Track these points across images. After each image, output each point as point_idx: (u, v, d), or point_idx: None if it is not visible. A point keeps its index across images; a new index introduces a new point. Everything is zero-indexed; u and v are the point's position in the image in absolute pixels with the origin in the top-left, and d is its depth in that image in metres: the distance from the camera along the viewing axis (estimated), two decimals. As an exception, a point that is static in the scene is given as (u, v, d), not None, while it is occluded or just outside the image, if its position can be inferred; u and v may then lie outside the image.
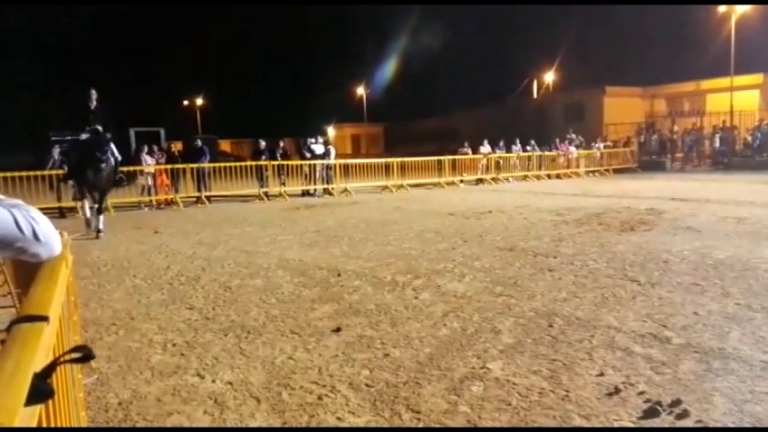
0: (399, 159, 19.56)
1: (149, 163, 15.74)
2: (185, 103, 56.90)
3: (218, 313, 4.77)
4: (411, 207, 13.06)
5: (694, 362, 3.37)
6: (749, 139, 25.59)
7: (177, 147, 22.58)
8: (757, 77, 29.61)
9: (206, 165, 16.30)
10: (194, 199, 15.70)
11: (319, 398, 3.10)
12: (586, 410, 2.83)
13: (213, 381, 3.38)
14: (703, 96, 32.41)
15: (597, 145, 25.85)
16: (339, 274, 6.03)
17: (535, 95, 43.83)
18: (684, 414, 2.74)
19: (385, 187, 18.54)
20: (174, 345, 4.01)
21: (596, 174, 24.06)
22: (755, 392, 2.94)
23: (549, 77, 44.62)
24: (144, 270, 6.61)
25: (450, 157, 20.89)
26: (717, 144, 26.28)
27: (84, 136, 9.19)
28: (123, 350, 3.93)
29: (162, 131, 32.11)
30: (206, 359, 3.72)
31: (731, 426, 2.62)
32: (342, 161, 19.10)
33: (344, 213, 11.95)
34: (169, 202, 15.37)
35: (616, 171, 24.63)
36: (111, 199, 13.66)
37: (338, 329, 4.20)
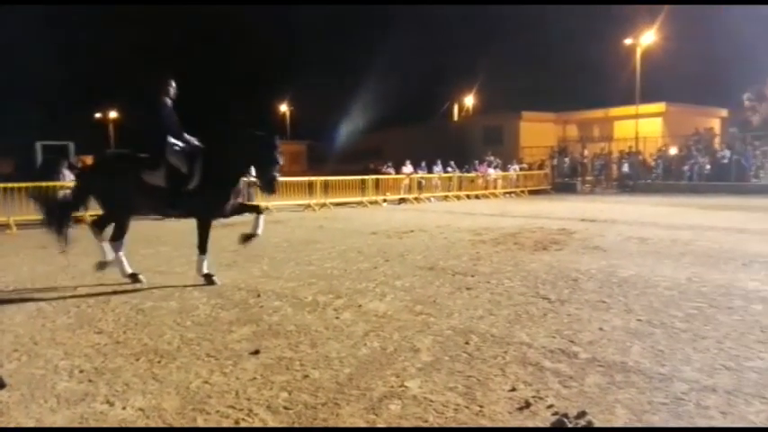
0: (323, 178, 19.57)
1: (70, 178, 14.89)
2: (97, 116, 54.58)
3: (130, 337, 4.58)
4: (334, 226, 13.07)
5: (599, 375, 3.57)
6: (653, 163, 27.43)
7: (87, 161, 21.55)
8: (660, 106, 31.93)
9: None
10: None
11: (236, 422, 3.05)
12: (498, 424, 2.94)
13: (123, 408, 3.24)
14: (611, 123, 34.54)
15: (513, 167, 26.92)
16: (259, 295, 5.94)
17: (456, 118, 45.17)
18: (589, 425, 2.89)
19: (308, 206, 18.45)
20: (81, 371, 3.82)
21: (513, 195, 24.99)
22: (653, 403, 3.14)
23: (470, 101, 46.19)
24: (49, 292, 6.25)
25: (374, 176, 21.11)
26: (624, 168, 28.00)
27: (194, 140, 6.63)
28: (26, 377, 3.70)
29: (71, 145, 30.59)
30: (116, 385, 3.56)
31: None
32: (264, 179, 18.84)
33: (265, 232, 11.75)
34: (78, 220, 14.60)
35: (531, 192, 25.71)
36: (15, 216, 12.86)
37: (257, 352, 4.14)
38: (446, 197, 22.57)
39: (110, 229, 6.66)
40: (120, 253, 6.59)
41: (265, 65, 57.65)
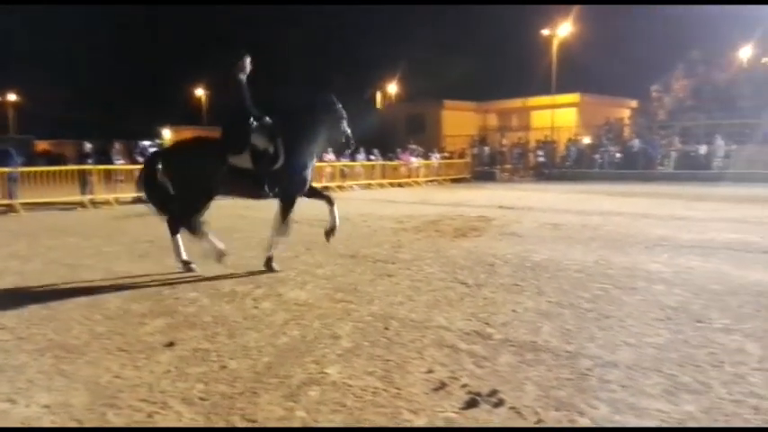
0: (243, 166, 19.17)
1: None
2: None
3: (34, 333, 4.33)
4: (255, 215, 12.81)
5: (511, 355, 3.71)
6: (567, 152, 28.65)
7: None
8: (575, 96, 33.36)
9: (13, 169, 14.60)
10: (4, 207, 14.09)
11: (149, 415, 2.96)
12: (415, 405, 3.01)
13: (27, 405, 3.08)
14: (529, 112, 35.78)
15: (435, 155, 27.38)
16: (173, 286, 5.77)
17: (380, 105, 45.33)
18: (500, 402, 3.01)
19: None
20: (-23, 370, 3.58)
21: (435, 183, 25.44)
22: (560, 379, 3.31)
23: (394, 89, 46.43)
24: (-58, 288, 5.81)
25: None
26: (540, 157, 29.10)
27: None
28: None
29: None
30: (18, 382, 3.37)
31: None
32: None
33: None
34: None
35: (453, 181, 26.28)
36: None
37: (171, 344, 4.02)
38: (369, 185, 22.68)
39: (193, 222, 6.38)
40: (179, 236, 6.43)
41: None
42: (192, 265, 6.43)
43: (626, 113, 35.07)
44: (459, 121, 35.16)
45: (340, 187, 21.51)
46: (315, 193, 6.77)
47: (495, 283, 5.78)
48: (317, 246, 8.13)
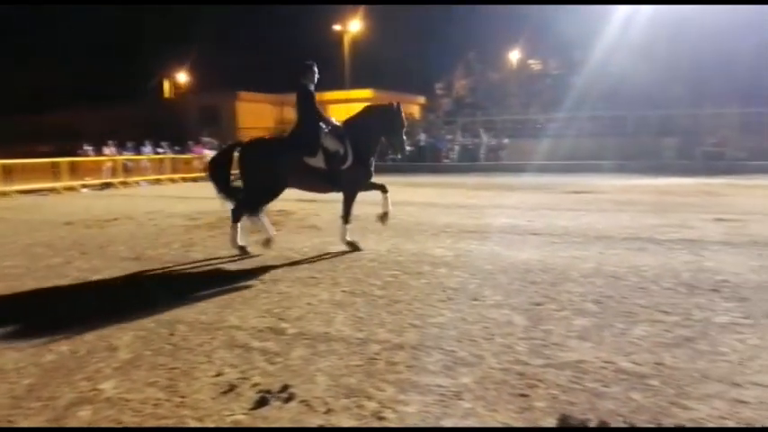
0: (2, 161, 16.66)
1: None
2: None
3: None
4: (17, 217, 11.26)
5: (304, 348, 3.69)
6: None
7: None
8: (368, 92, 34.68)
9: None
10: None
11: None
12: (200, 413, 2.84)
13: None
14: (325, 106, 36.34)
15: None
16: None
17: (168, 95, 42.59)
18: (291, 397, 2.97)
19: (-16, 195, 15.57)
20: None
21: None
22: (350, 366, 3.37)
23: (183, 77, 43.93)
24: None
25: (69, 159, 18.71)
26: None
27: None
28: None
29: None
30: None
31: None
32: None
33: None
34: None
35: (250, 174, 25.69)
36: None
37: None
38: (158, 180, 21.23)
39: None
40: (239, 225, 6.98)
41: None
42: (249, 249, 6.91)
43: (415, 109, 37.48)
44: (256, 113, 34.59)
45: (124, 183, 19.80)
46: (372, 186, 7.34)
47: (291, 277, 5.73)
48: (93, 250, 7.36)
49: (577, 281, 5.33)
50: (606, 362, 3.37)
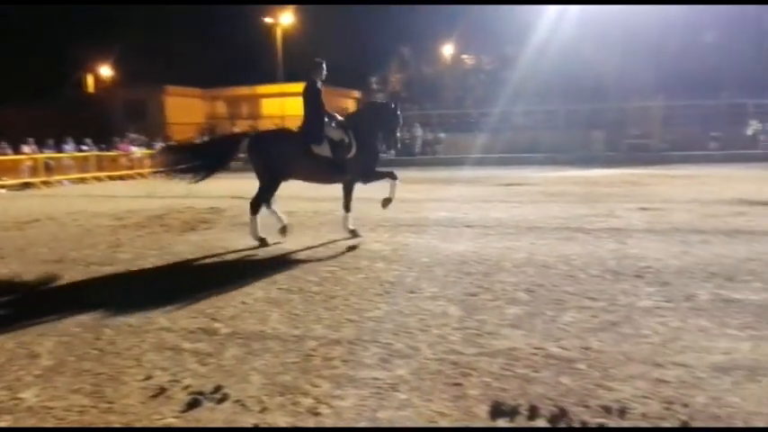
0: None
1: None
2: None
3: None
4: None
5: (237, 347, 3.62)
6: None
7: None
8: (303, 86, 34.16)
9: None
10: None
11: None
12: (129, 417, 2.74)
13: None
14: (259, 100, 35.77)
15: (159, 144, 25.70)
16: None
17: (91, 90, 40.67)
18: (225, 398, 2.90)
19: None
20: None
21: (162, 174, 23.87)
22: (285, 364, 3.33)
23: (107, 71, 42.03)
24: None
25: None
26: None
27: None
28: None
29: None
30: None
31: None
32: None
33: None
34: None
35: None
36: None
37: None
38: (83, 179, 20.29)
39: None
40: (257, 217, 7.28)
41: None
42: (268, 239, 7.16)
43: (351, 103, 37.37)
44: (186, 108, 33.56)
45: (45, 183, 18.83)
46: (381, 174, 7.68)
47: (224, 275, 5.60)
48: (12, 253, 6.98)
49: (510, 271, 5.46)
50: (537, 348, 3.47)
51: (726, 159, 20.35)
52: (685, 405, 2.72)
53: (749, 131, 23.19)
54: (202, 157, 7.51)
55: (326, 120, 7.33)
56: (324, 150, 7.21)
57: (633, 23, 25.16)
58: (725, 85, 25.14)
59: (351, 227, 7.61)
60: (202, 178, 7.47)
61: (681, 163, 20.00)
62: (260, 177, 7.35)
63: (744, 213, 8.57)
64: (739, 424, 2.55)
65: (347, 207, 7.67)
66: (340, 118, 7.53)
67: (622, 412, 2.67)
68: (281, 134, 7.94)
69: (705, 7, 24.25)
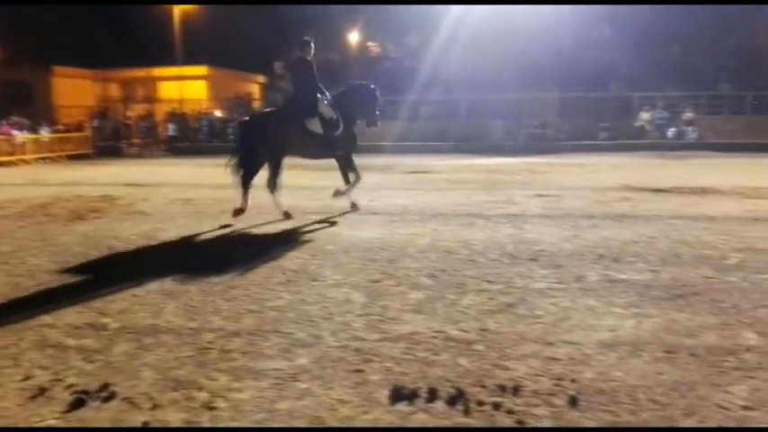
0: None
1: None
2: None
3: None
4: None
5: (128, 343, 3.42)
6: (199, 125, 28.25)
7: None
8: (203, 69, 32.93)
9: None
10: None
11: None
12: (6, 421, 2.52)
13: None
14: (155, 83, 34.03)
15: (45, 129, 23.91)
16: None
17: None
18: (112, 395, 2.74)
19: None
20: None
21: (47, 161, 22.23)
22: (180, 358, 3.18)
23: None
24: None
25: None
26: (170, 130, 28.02)
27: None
28: None
29: None
30: None
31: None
32: None
33: None
34: None
35: (70, 157, 23.32)
36: None
37: None
38: (-42, 166, 18.53)
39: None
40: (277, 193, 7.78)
41: None
42: (290, 213, 7.68)
43: (255, 88, 36.38)
44: (75, 90, 31.29)
45: None
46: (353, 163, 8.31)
47: (115, 267, 5.30)
48: None
49: (414, 256, 5.53)
50: (437, 331, 3.53)
51: (614, 148, 21.75)
52: (573, 381, 2.86)
53: (638, 123, 24.84)
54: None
55: (319, 96, 7.79)
56: (315, 126, 7.70)
57: (533, 21, 26.27)
58: (614, 79, 26.91)
59: (352, 197, 8.33)
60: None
61: (574, 152, 21.12)
62: (265, 157, 7.74)
63: (629, 199, 9.18)
64: (623, 397, 2.71)
65: (347, 179, 8.26)
66: (329, 97, 8.01)
67: (516, 390, 2.77)
68: (272, 114, 8.58)
69: (598, 6, 25.81)
